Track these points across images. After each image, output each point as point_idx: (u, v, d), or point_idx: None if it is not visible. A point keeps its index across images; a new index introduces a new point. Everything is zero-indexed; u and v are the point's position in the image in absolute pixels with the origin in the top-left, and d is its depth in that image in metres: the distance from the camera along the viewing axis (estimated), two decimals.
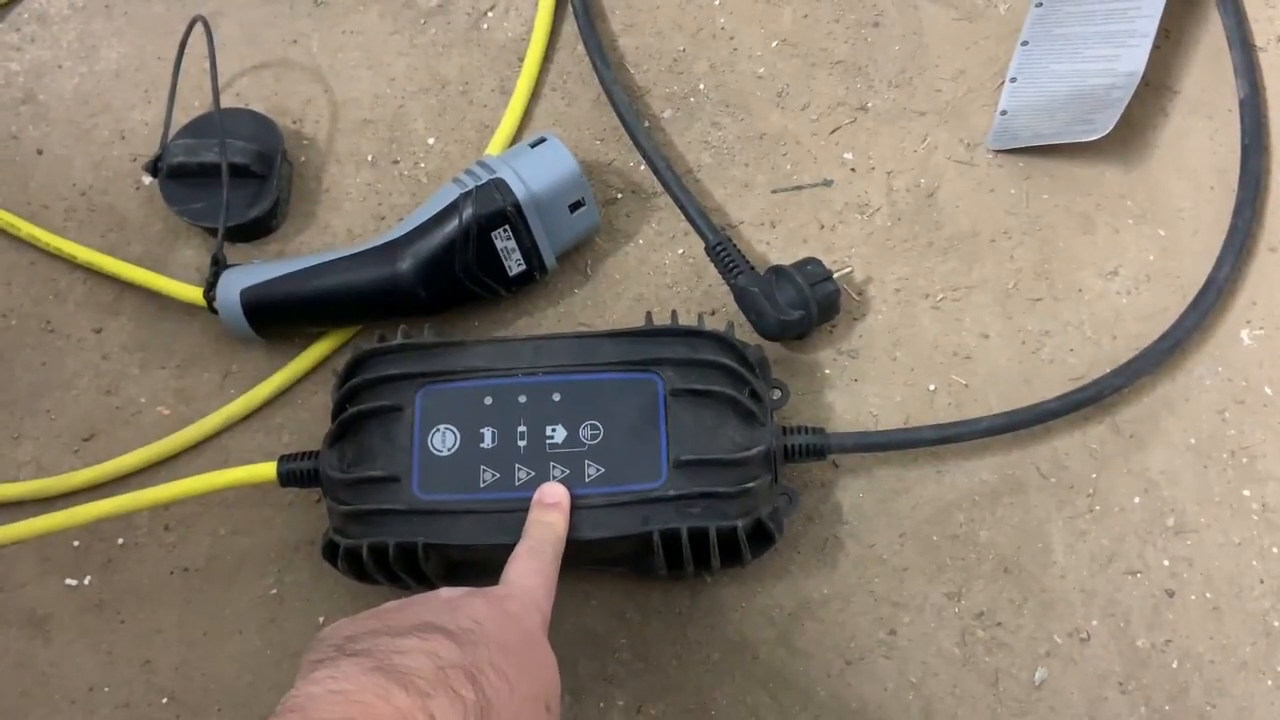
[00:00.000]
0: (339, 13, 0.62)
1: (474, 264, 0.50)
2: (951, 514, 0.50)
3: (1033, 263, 0.54)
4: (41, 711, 0.49)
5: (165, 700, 0.50)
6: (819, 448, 0.48)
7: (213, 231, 0.55)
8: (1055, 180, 0.56)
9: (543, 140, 0.52)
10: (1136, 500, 0.50)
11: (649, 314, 0.48)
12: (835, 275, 0.52)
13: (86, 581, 0.52)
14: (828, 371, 0.53)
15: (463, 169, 0.53)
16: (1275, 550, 0.49)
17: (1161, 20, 0.52)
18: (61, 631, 0.51)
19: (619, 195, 0.57)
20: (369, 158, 0.59)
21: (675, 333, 0.47)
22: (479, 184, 0.50)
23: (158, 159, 0.55)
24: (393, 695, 0.30)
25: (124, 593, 0.51)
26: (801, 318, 0.50)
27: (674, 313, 0.48)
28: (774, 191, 0.57)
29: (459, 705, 0.31)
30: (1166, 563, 0.49)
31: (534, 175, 0.51)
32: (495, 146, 0.57)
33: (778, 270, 0.51)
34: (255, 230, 0.57)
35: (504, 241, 0.50)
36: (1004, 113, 0.56)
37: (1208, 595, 0.48)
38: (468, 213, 0.50)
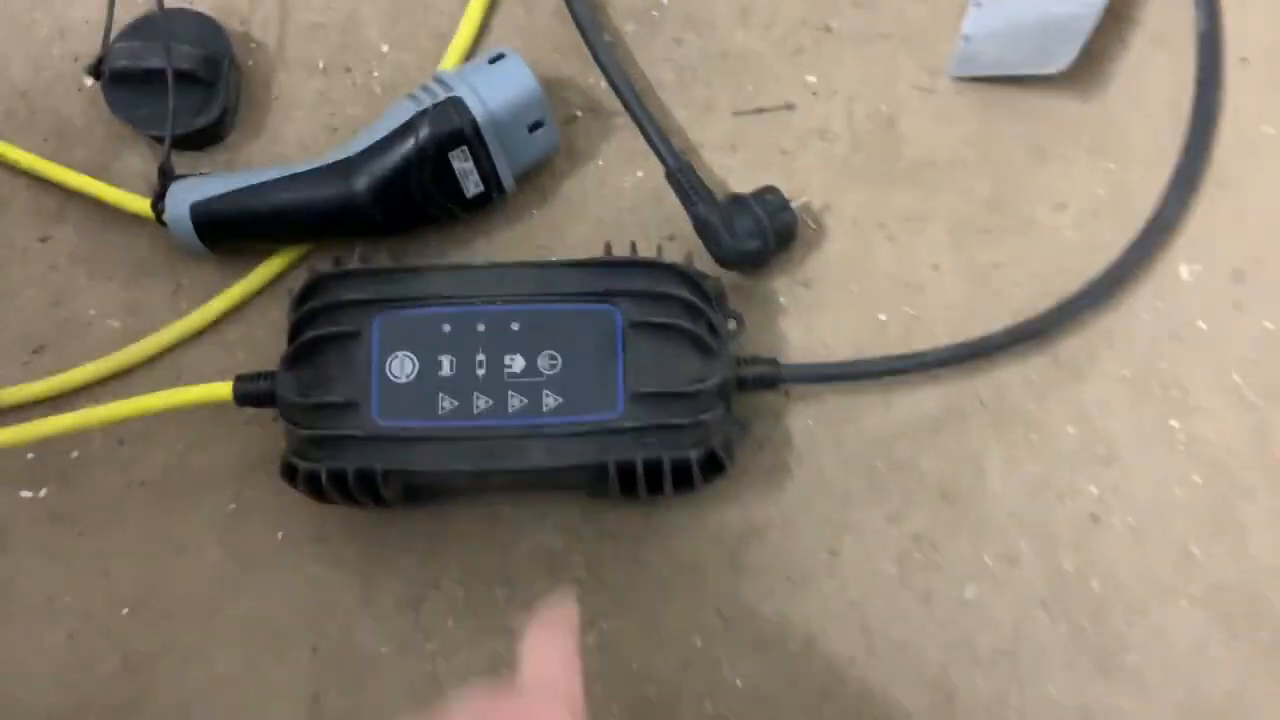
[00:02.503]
0: None
1: (430, 185, 0.50)
2: (896, 442, 0.52)
3: (986, 194, 0.55)
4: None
5: (125, 610, 0.51)
6: (772, 378, 0.49)
7: (159, 139, 0.53)
8: (1014, 111, 0.56)
9: (501, 56, 0.51)
10: (1070, 430, 0.52)
11: (607, 244, 0.48)
12: (794, 204, 0.52)
13: (43, 494, 0.52)
14: (783, 300, 0.54)
15: (418, 82, 0.52)
16: (1197, 480, 0.51)
17: None
18: (20, 542, 0.52)
19: (578, 114, 0.56)
20: (320, 65, 0.57)
21: (634, 264, 0.47)
22: (436, 102, 0.49)
23: (100, 61, 0.53)
24: None
25: (82, 505, 0.52)
26: (759, 247, 0.51)
27: (633, 244, 0.48)
28: (736, 114, 0.56)
29: None
30: (1094, 490, 0.51)
31: (492, 94, 0.50)
32: (451, 58, 0.56)
33: (737, 199, 0.52)
34: (203, 139, 0.55)
35: (461, 163, 0.50)
36: (967, 38, 0.55)
37: (1131, 521, 0.51)
38: (424, 132, 0.49)
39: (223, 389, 0.48)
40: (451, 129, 0.49)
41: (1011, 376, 0.53)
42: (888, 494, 0.52)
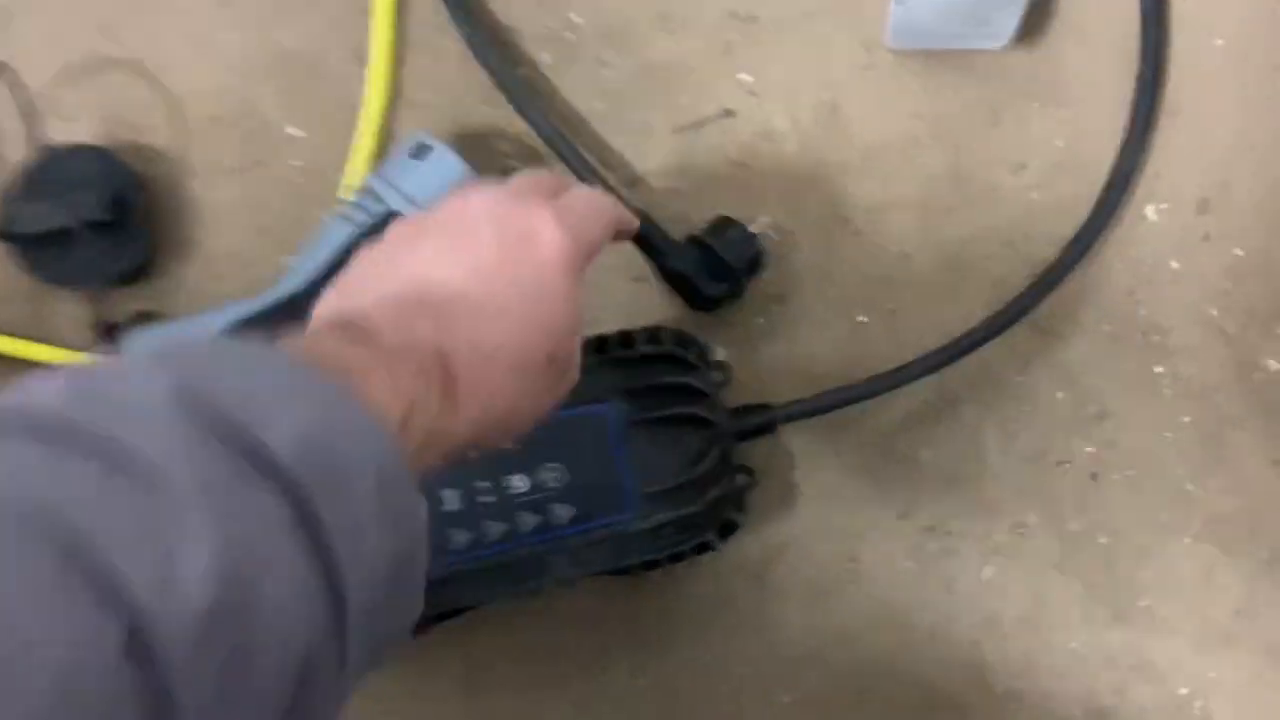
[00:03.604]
0: None
1: None
2: (894, 440, 0.53)
3: (945, 168, 0.53)
4: None
5: None
6: (768, 425, 0.49)
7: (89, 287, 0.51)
8: (958, 72, 0.54)
9: (426, 148, 0.48)
10: (1060, 395, 0.53)
11: (599, 338, 0.47)
12: (755, 228, 0.51)
13: None
14: (760, 321, 0.53)
15: (337, 163, 0.49)
16: (1186, 420, 0.53)
17: None
18: None
19: (514, 165, 0.53)
20: (230, 164, 0.53)
21: (623, 361, 0.46)
22: (373, 221, 0.47)
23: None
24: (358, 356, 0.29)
25: None
26: (731, 289, 0.50)
27: (625, 333, 0.47)
28: (675, 131, 0.54)
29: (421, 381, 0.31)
30: (1090, 449, 0.53)
31: (427, 195, 0.47)
32: (367, 133, 0.52)
33: (700, 243, 0.50)
34: (133, 275, 0.52)
35: None
36: (901, 2, 0.52)
37: (1129, 473, 0.53)
38: None
39: None
40: None
41: (995, 351, 0.53)
42: (894, 493, 0.53)
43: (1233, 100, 0.53)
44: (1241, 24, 0.52)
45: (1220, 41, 0.53)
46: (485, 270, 0.34)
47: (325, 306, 0.35)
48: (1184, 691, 0.52)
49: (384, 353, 0.30)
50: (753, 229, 0.51)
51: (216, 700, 0.21)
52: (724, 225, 0.50)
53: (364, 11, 0.53)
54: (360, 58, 0.53)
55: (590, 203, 0.39)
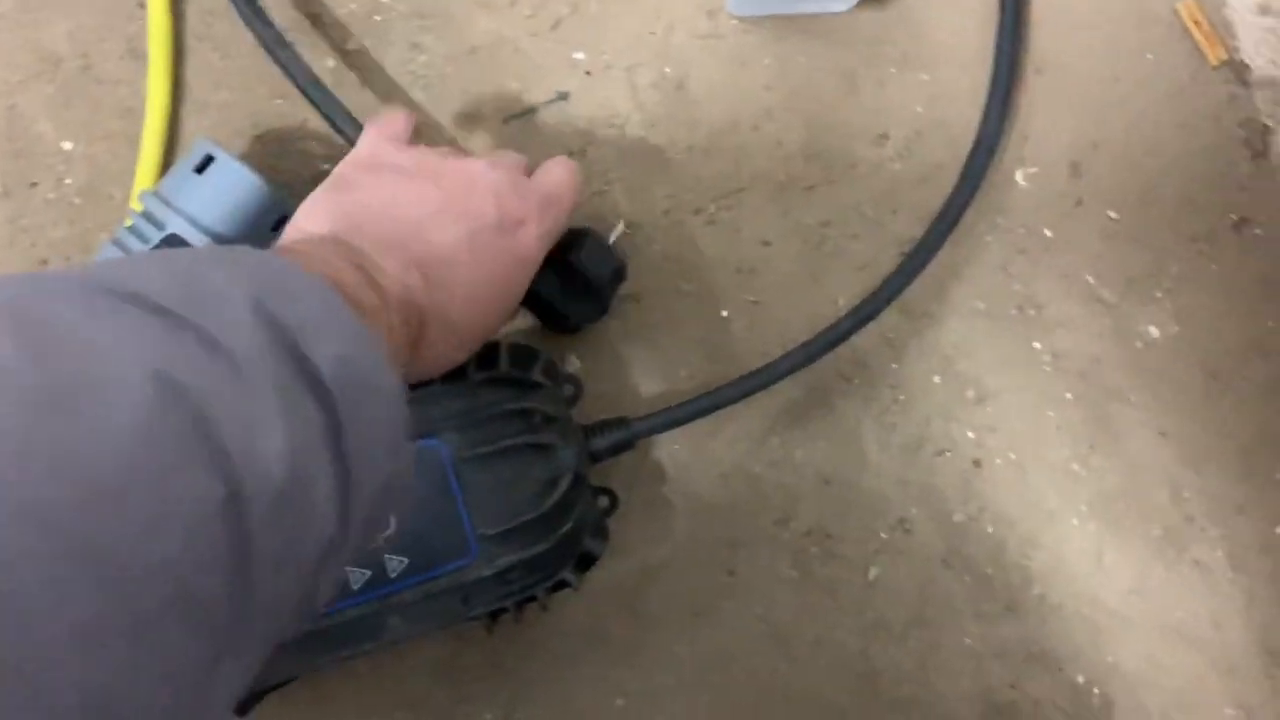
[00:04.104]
0: None
1: None
2: (766, 441, 0.49)
3: (801, 144, 0.49)
4: None
5: None
6: (626, 443, 0.45)
7: None
8: (810, 36, 0.49)
9: (209, 159, 0.42)
10: (936, 380, 0.50)
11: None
12: (612, 240, 0.46)
13: None
14: (615, 324, 0.49)
15: (119, 176, 0.43)
16: (1068, 396, 0.50)
17: None
18: None
19: (326, 166, 0.48)
20: None
21: (455, 390, 0.41)
22: (152, 246, 0.40)
23: None
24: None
25: None
26: (597, 308, 0.45)
27: (497, 347, 0.42)
28: (506, 120, 0.48)
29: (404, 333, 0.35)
30: (971, 435, 0.50)
31: (212, 212, 0.41)
32: (149, 144, 0.46)
33: (557, 264, 0.44)
34: None
35: None
36: None
37: (1012, 456, 0.50)
38: None
39: None
40: None
41: (867, 340, 0.50)
42: (770, 498, 0.49)
43: (1100, 53, 0.50)
44: None
45: None
46: (478, 246, 0.37)
47: (321, 216, 0.36)
48: (1081, 680, 0.50)
49: (388, 303, 0.34)
50: (611, 237, 0.46)
51: (278, 563, 0.25)
52: (579, 238, 0.45)
53: (139, 3, 0.47)
54: (137, 54, 0.47)
55: (566, 195, 0.41)
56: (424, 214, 0.37)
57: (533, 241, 0.39)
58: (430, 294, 0.36)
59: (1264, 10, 0.50)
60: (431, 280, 0.36)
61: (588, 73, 0.49)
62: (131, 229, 0.41)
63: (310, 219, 0.36)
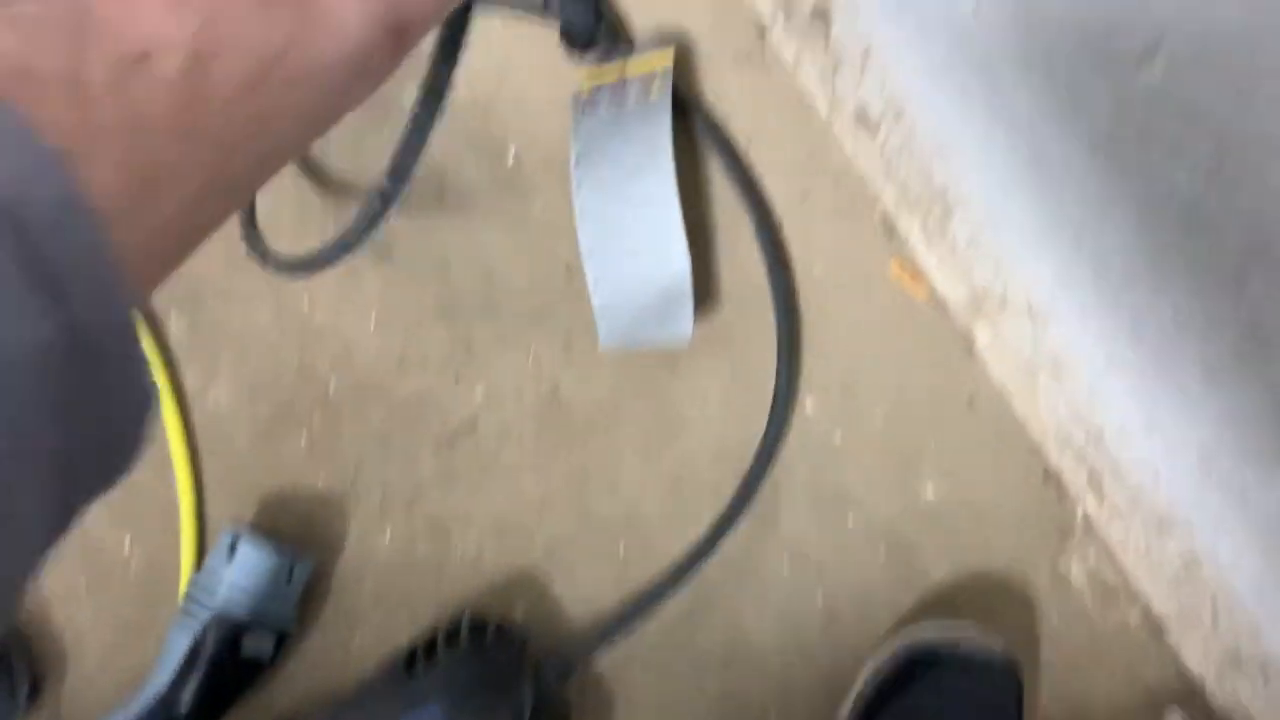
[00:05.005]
0: None
1: (237, 676, 0.59)
2: (664, 652, 0.66)
3: (651, 418, 0.68)
4: None
5: None
6: (566, 672, 0.62)
7: None
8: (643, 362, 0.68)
9: (234, 547, 0.60)
10: (785, 574, 0.67)
11: (413, 653, 0.59)
12: None
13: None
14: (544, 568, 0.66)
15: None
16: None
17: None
18: None
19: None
20: (79, 590, 0.64)
21: (450, 663, 0.58)
22: (204, 623, 0.58)
23: None
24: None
25: None
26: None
27: (466, 615, 0.59)
28: None
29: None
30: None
31: (247, 587, 0.59)
32: (187, 534, 0.63)
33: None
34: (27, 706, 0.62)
35: (252, 645, 0.59)
36: (597, 311, 0.65)
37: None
38: (210, 651, 0.58)
39: None
40: (229, 632, 0.58)
41: (730, 544, 0.67)
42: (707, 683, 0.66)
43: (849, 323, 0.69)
44: (834, 255, 0.68)
45: (819, 270, 0.69)
46: None
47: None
48: None
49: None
50: None
51: None
52: None
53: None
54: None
55: None
56: None
57: None
58: None
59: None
60: None
61: (486, 402, 0.67)
62: (185, 610, 0.59)
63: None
